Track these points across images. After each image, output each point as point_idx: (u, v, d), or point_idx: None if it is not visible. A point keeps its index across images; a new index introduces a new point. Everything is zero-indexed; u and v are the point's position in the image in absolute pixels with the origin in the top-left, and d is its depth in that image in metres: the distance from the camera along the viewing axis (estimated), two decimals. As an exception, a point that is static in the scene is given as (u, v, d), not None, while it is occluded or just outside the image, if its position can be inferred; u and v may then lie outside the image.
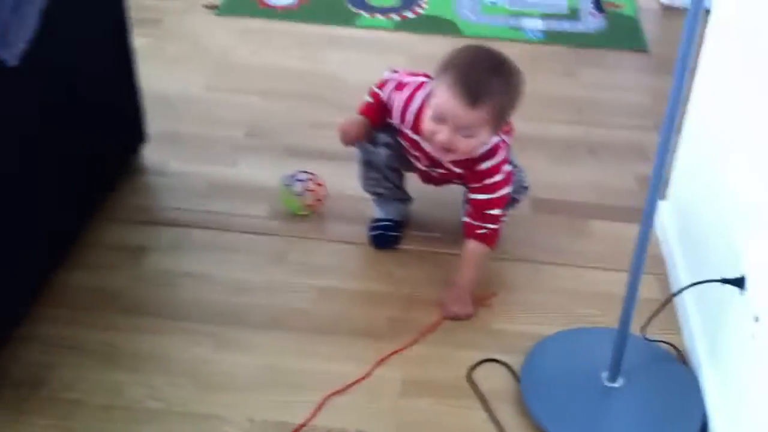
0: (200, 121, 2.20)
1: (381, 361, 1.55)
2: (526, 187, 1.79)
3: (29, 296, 1.59)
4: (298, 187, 1.86)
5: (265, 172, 2.00)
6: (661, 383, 1.47)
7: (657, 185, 1.29)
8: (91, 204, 1.80)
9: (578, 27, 2.75)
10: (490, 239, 1.66)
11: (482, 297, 1.68)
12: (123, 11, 1.83)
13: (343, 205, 1.91)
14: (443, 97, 1.52)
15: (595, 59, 2.59)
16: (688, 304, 1.59)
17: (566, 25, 2.76)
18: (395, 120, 1.70)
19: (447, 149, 1.57)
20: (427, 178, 1.79)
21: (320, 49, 2.57)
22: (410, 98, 1.66)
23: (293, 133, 2.17)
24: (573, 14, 2.83)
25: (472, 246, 1.66)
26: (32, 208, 1.54)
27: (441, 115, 1.53)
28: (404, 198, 1.85)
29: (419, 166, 1.75)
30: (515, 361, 1.54)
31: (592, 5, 2.88)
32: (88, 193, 1.78)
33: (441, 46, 1.68)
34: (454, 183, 1.76)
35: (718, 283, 1.39)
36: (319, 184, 1.88)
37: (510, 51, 2.59)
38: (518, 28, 2.72)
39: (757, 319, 1.24)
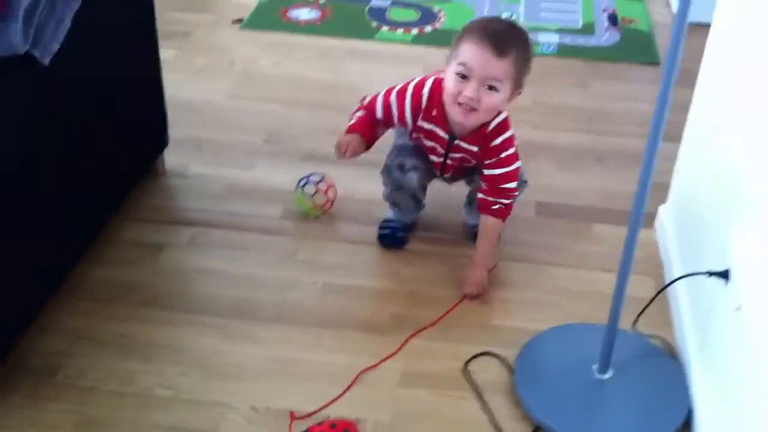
0: (222, 128, 2.29)
1: (410, 338, 1.63)
2: (525, 181, 1.84)
3: (50, 289, 1.67)
4: (310, 188, 1.94)
5: (281, 176, 2.08)
6: (650, 375, 1.51)
7: (644, 186, 1.34)
8: (114, 203, 1.89)
9: (592, 41, 2.80)
10: (504, 213, 1.75)
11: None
12: (152, 20, 1.93)
13: (354, 207, 1.98)
14: (470, 51, 1.61)
15: (608, 72, 2.64)
16: (681, 301, 1.63)
17: (580, 40, 2.81)
18: (402, 122, 1.76)
19: (470, 108, 1.63)
20: (441, 170, 1.85)
21: (340, 61, 2.66)
22: (415, 92, 1.74)
23: (310, 139, 2.25)
24: (588, 29, 2.88)
25: (488, 221, 1.76)
26: (60, 204, 1.63)
27: (469, 68, 1.61)
28: (420, 208, 1.91)
29: (434, 159, 1.82)
30: (510, 355, 1.59)
31: (607, 20, 2.93)
32: (112, 193, 1.88)
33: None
34: (467, 168, 1.82)
35: (710, 279, 1.43)
36: (331, 186, 1.95)
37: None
38: (534, 42, 2.78)
39: (738, 308, 1.28)
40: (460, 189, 1.91)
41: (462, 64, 1.62)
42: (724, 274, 1.37)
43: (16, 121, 1.45)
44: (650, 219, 1.92)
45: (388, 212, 1.92)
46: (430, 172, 1.85)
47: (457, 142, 1.76)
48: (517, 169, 1.75)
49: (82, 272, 1.77)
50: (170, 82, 2.08)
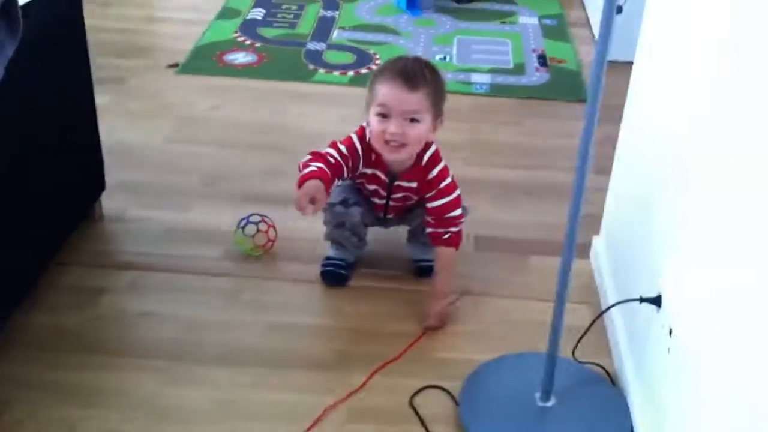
0: (159, 171, 2.29)
1: (376, 372, 1.64)
2: (465, 207, 1.87)
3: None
4: (250, 228, 1.94)
5: (220, 217, 2.08)
6: (591, 402, 1.55)
7: (575, 217, 1.40)
8: (52, 248, 1.87)
9: (523, 81, 2.90)
10: (455, 241, 1.80)
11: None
12: (87, 66, 1.93)
13: (295, 246, 2.00)
14: (385, 90, 1.68)
15: (539, 110, 2.73)
16: (618, 328, 1.68)
17: (512, 79, 2.90)
18: (347, 167, 1.79)
19: (400, 144, 1.69)
20: (384, 211, 1.88)
21: (278, 103, 2.69)
22: (349, 147, 1.77)
23: (248, 180, 2.26)
24: (519, 69, 2.98)
25: (442, 252, 1.80)
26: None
27: (386, 106, 1.68)
28: (362, 246, 1.94)
29: (377, 201, 1.85)
30: (455, 386, 1.61)
31: (536, 61, 3.04)
32: (50, 238, 1.85)
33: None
34: (408, 206, 1.86)
35: (642, 306, 1.48)
36: (271, 226, 1.96)
37: (459, 103, 2.75)
38: (467, 82, 2.86)
39: (671, 333, 1.33)
40: (404, 225, 1.94)
41: (381, 104, 1.68)
42: (656, 300, 1.42)
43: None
44: (585, 249, 1.98)
45: (330, 250, 1.94)
46: (372, 212, 1.88)
47: (396, 182, 1.80)
48: (459, 196, 1.81)
49: (21, 319, 1.73)
50: (105, 127, 2.07)
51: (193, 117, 2.58)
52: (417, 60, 1.75)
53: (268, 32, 3.17)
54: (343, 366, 1.67)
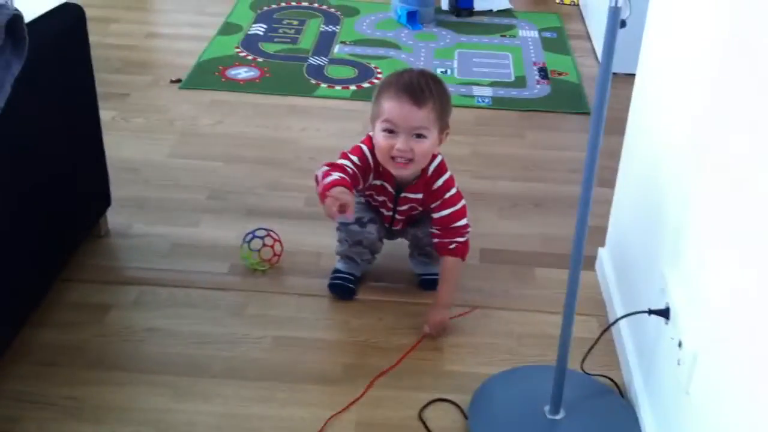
0: (163, 187, 2.29)
1: (372, 383, 1.64)
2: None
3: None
4: (256, 243, 1.95)
5: (226, 232, 2.08)
6: (600, 415, 1.55)
7: (582, 231, 1.40)
8: (57, 265, 1.87)
9: (525, 94, 2.91)
10: (461, 251, 1.80)
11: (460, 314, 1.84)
12: (91, 82, 1.93)
13: (301, 260, 2.00)
14: (391, 107, 1.67)
15: (542, 122, 2.74)
16: (625, 340, 1.68)
17: (514, 92, 2.91)
18: (361, 175, 1.79)
19: (407, 159, 1.69)
20: (390, 223, 1.89)
21: (281, 118, 2.69)
22: (360, 156, 1.77)
23: (254, 194, 2.26)
24: (520, 82, 2.99)
25: (447, 262, 1.80)
26: (1, 267, 1.60)
27: (393, 123, 1.67)
28: (372, 261, 1.93)
29: (384, 212, 1.86)
30: (463, 400, 1.61)
31: (537, 74, 3.05)
32: (55, 255, 1.85)
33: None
34: (413, 218, 1.86)
35: (650, 318, 1.48)
36: (277, 240, 1.96)
37: (461, 116, 2.75)
38: (469, 96, 2.87)
39: (680, 345, 1.34)
40: (405, 239, 1.95)
41: (387, 121, 1.69)
42: (665, 312, 1.42)
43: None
44: (591, 261, 1.98)
45: (338, 264, 1.93)
46: (383, 226, 1.89)
47: (403, 194, 1.81)
48: (464, 206, 1.81)
49: (27, 336, 1.73)
50: (110, 143, 2.07)
51: (196, 132, 2.59)
52: (422, 73, 1.74)
53: (270, 47, 3.19)
54: (349, 379, 1.67)
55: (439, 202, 1.79)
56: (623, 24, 1.25)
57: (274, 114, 2.72)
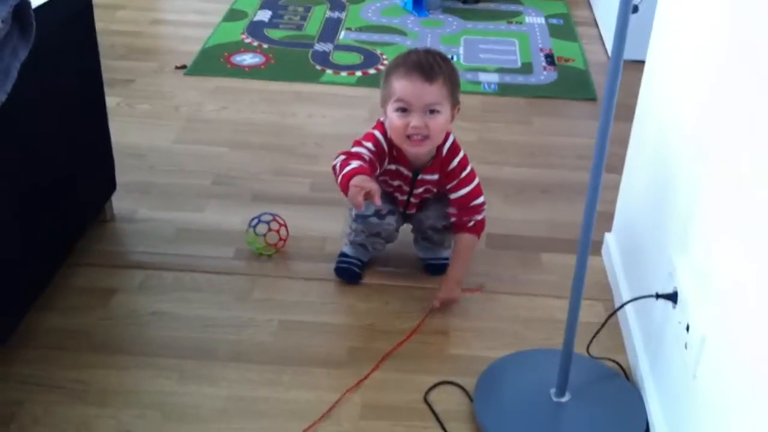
0: (169, 172, 2.29)
1: (377, 366, 1.64)
2: None
3: None
4: (262, 227, 1.94)
5: (231, 217, 2.08)
6: (606, 397, 1.55)
7: (591, 216, 1.39)
8: (63, 250, 1.87)
9: (531, 80, 2.90)
10: (479, 229, 1.82)
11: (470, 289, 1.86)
12: (97, 68, 1.93)
13: (306, 245, 2.00)
14: (403, 86, 1.67)
15: (548, 108, 2.73)
16: (632, 324, 1.68)
17: (520, 79, 2.90)
18: (378, 159, 1.78)
19: (423, 137, 1.69)
20: (405, 207, 1.88)
21: (286, 104, 2.69)
22: (374, 142, 1.76)
23: (259, 180, 2.26)
24: (527, 68, 2.98)
25: (463, 238, 1.82)
26: (8, 252, 1.60)
27: (406, 101, 1.67)
28: (383, 249, 1.93)
29: (399, 197, 1.85)
30: (469, 383, 1.60)
31: (544, 60, 3.03)
32: (60, 240, 1.85)
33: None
34: (427, 201, 1.85)
35: (657, 302, 1.48)
36: (282, 225, 1.96)
37: (467, 102, 2.74)
38: (475, 82, 2.86)
39: (688, 329, 1.33)
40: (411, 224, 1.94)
41: (399, 100, 1.68)
42: (672, 297, 1.42)
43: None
44: (597, 246, 1.98)
45: (346, 248, 1.92)
46: (399, 213, 1.88)
47: (420, 176, 1.80)
48: (479, 184, 1.81)
49: (33, 320, 1.73)
50: (115, 129, 2.07)
51: (201, 118, 2.58)
52: (428, 51, 1.73)
53: (275, 34, 3.18)
54: (355, 363, 1.67)
55: (455, 182, 1.79)
56: (635, 9, 1.24)
57: (279, 100, 2.71)
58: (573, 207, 2.16)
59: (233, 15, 3.34)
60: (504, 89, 2.82)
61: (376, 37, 3.20)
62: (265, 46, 3.07)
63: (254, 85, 2.80)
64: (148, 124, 2.54)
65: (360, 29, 3.26)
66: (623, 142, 1.89)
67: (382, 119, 1.78)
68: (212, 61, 2.94)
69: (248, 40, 3.11)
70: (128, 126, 2.48)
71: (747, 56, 1.22)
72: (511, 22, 3.39)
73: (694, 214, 1.38)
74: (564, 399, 1.52)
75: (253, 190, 2.21)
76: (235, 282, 1.88)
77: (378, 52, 3.06)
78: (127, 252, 1.99)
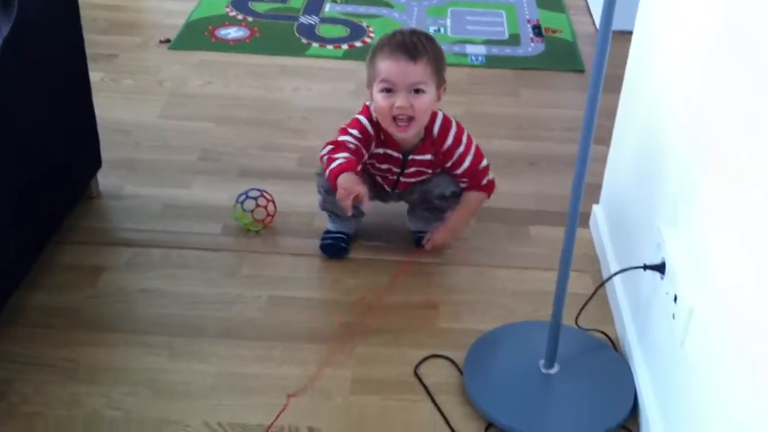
0: (154, 148, 2.27)
1: (364, 341, 1.66)
2: None
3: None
4: (249, 203, 1.93)
5: (218, 193, 2.07)
6: (594, 367, 1.56)
7: (579, 187, 1.39)
8: (49, 228, 1.85)
9: (519, 52, 2.88)
10: (489, 188, 1.86)
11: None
12: (81, 43, 1.90)
13: (294, 221, 1.99)
14: (387, 66, 1.67)
15: (536, 80, 2.72)
16: (619, 296, 1.69)
17: (507, 50, 2.88)
18: (365, 146, 1.77)
19: (408, 118, 1.68)
20: (393, 186, 1.87)
21: (272, 78, 2.67)
22: (360, 128, 1.75)
23: (245, 155, 2.25)
24: (514, 40, 2.96)
25: (471, 194, 1.85)
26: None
27: (390, 81, 1.67)
28: (359, 216, 1.92)
29: (390, 177, 1.84)
30: (459, 356, 1.61)
31: (531, 31, 3.02)
32: (47, 217, 1.84)
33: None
34: (425, 177, 1.84)
35: (645, 273, 1.48)
36: (270, 201, 1.95)
37: (454, 75, 2.73)
38: (462, 54, 2.84)
39: (675, 299, 1.34)
40: (409, 199, 1.93)
41: (384, 81, 1.68)
42: (660, 267, 1.42)
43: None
44: (585, 218, 1.98)
45: (328, 224, 1.93)
46: (374, 187, 1.86)
47: (411, 157, 1.79)
48: (479, 147, 1.83)
49: (20, 299, 1.72)
50: (99, 105, 2.04)
51: (186, 93, 2.56)
52: (413, 31, 1.73)
53: (260, 7, 3.15)
54: (345, 338, 1.67)
55: (455, 158, 1.80)
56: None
57: (265, 74, 2.69)
58: (561, 179, 2.16)
59: (217, -12, 3.29)
60: (491, 61, 2.81)
61: (362, 9, 3.17)
62: (250, 19, 3.04)
63: (239, 59, 2.77)
64: (132, 99, 2.51)
65: (346, 1, 3.23)
66: (611, 113, 1.89)
67: (367, 103, 1.77)
68: (197, 35, 2.91)
69: (233, 14, 3.08)
70: (112, 101, 2.45)
71: (736, 27, 1.21)
72: (497, -7, 3.36)
73: (683, 185, 1.39)
74: (553, 370, 1.53)
75: (240, 166, 2.20)
76: (223, 258, 1.88)
77: (364, 24, 3.03)
78: (113, 229, 1.98)
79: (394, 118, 1.69)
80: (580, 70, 2.76)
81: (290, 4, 3.19)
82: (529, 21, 3.11)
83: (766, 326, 1.04)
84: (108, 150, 2.10)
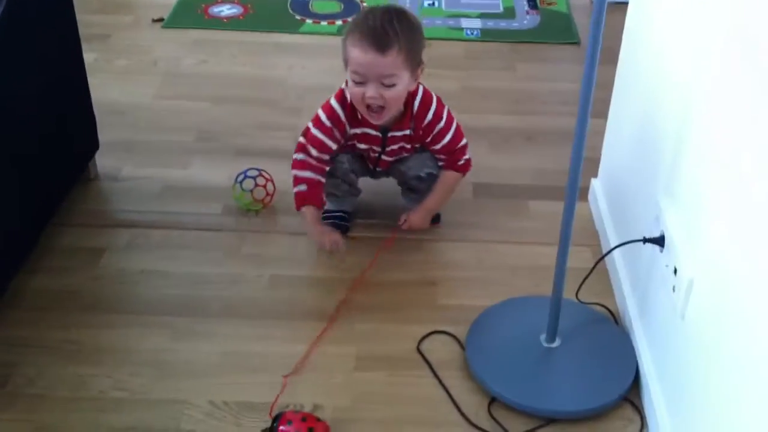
0: (151, 128, 2.26)
1: (352, 290, 1.72)
2: None
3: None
4: (248, 183, 1.93)
5: (217, 173, 2.07)
6: (595, 341, 1.57)
7: (578, 163, 1.39)
8: (48, 210, 1.85)
9: (514, 25, 2.87)
10: (465, 168, 1.85)
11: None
12: (74, 23, 1.89)
13: (293, 200, 1.97)
14: (356, 55, 1.63)
15: (531, 54, 2.71)
16: (619, 269, 1.70)
17: (502, 24, 2.87)
18: (336, 140, 1.78)
19: (380, 107, 1.67)
20: (375, 164, 1.87)
21: (267, 56, 2.65)
22: (330, 114, 1.76)
23: (243, 134, 2.24)
24: (509, 13, 2.95)
25: (448, 173, 1.84)
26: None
27: (360, 72, 1.64)
28: (356, 193, 1.93)
29: (372, 155, 1.84)
30: (461, 331, 1.62)
31: (526, 4, 3.00)
32: (45, 200, 1.83)
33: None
34: (408, 153, 1.85)
35: (645, 246, 1.49)
36: (269, 180, 1.95)
37: (450, 49, 2.72)
38: (457, 28, 2.83)
39: (675, 271, 1.34)
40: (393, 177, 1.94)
41: (354, 72, 1.65)
42: (659, 240, 1.43)
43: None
44: (583, 192, 1.98)
45: (328, 203, 1.92)
46: (361, 163, 1.87)
47: (390, 133, 1.79)
48: (459, 126, 1.81)
49: (21, 283, 1.72)
50: (93, 86, 2.03)
51: (181, 72, 2.55)
52: (386, 12, 1.65)
53: (253, -17, 3.11)
54: (346, 315, 1.68)
55: (434, 134, 1.78)
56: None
57: (259, 52, 2.67)
58: (559, 153, 2.16)
59: (209, -35, 3.26)
60: (486, 35, 2.79)
61: (355, -16, 3.14)
62: (243, -4, 3.01)
63: (233, 37, 2.76)
64: (126, 79, 2.50)
65: (339, -23, 3.20)
66: (607, 85, 1.88)
67: (343, 85, 1.76)
68: (189, 13, 2.89)
69: (225, -9, 3.05)
70: (106, 82, 2.44)
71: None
72: (491, -34, 3.34)
73: (682, 157, 1.39)
74: (554, 344, 1.54)
75: (238, 145, 2.19)
76: (223, 238, 1.88)
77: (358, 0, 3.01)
78: (113, 211, 1.97)
79: (368, 106, 1.68)
80: (576, 43, 2.75)
81: (283, -20, 3.15)
82: (523, -6, 3.09)
83: (764, 297, 1.04)
84: (104, 132, 2.09)
